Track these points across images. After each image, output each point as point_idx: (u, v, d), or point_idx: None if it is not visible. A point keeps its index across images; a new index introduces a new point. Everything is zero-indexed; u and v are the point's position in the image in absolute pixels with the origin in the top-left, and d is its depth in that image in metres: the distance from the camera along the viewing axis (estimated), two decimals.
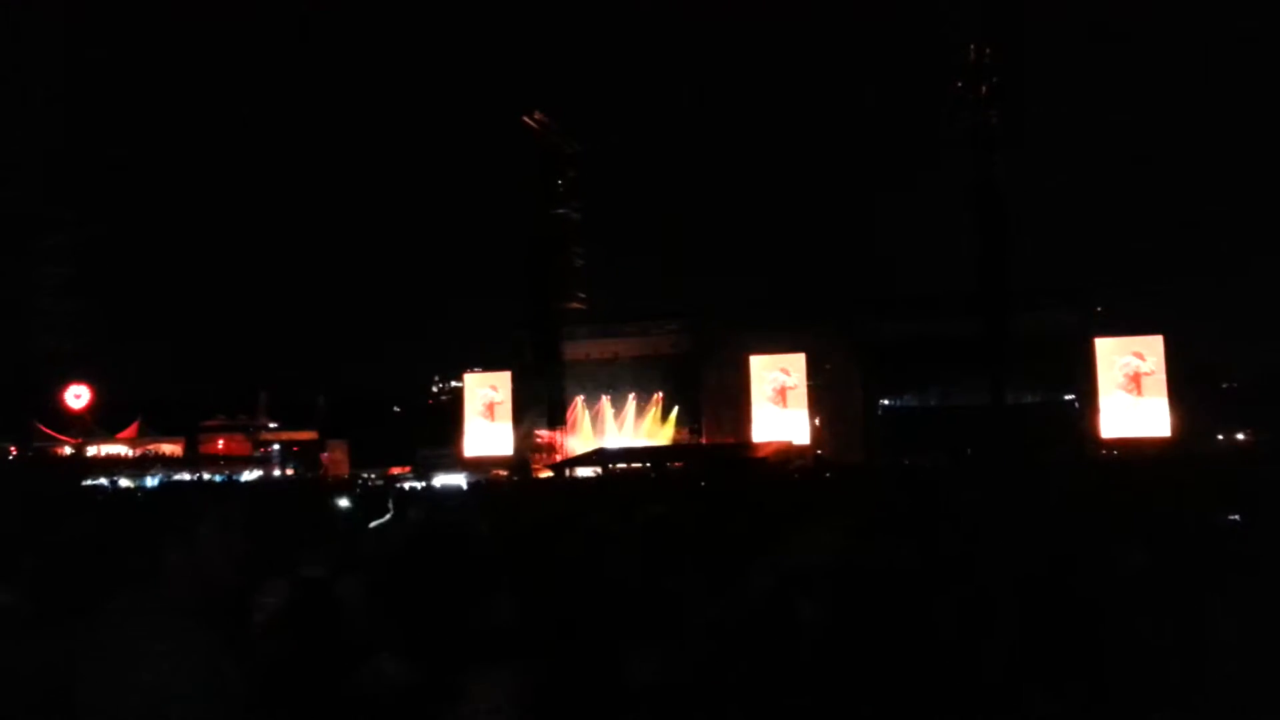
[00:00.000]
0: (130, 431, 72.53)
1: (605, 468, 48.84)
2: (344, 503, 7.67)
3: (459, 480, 44.17)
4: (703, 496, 13.52)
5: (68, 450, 66.46)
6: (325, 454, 63.94)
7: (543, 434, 61.41)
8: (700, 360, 61.36)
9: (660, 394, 63.38)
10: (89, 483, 40.50)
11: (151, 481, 47.28)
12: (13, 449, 62.60)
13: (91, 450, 67.80)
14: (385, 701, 3.60)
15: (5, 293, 64.52)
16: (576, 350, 62.86)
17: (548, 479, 47.84)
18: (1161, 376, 53.46)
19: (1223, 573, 4.16)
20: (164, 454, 69.57)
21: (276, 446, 69.93)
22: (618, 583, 4.20)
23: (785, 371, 58.76)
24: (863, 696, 3.57)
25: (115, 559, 4.21)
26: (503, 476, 49.71)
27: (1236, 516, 5.56)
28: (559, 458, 57.48)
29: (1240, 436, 51.80)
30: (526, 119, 61.35)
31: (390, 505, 8.45)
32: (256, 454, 70.34)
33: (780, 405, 58.58)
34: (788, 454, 51.93)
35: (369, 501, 9.55)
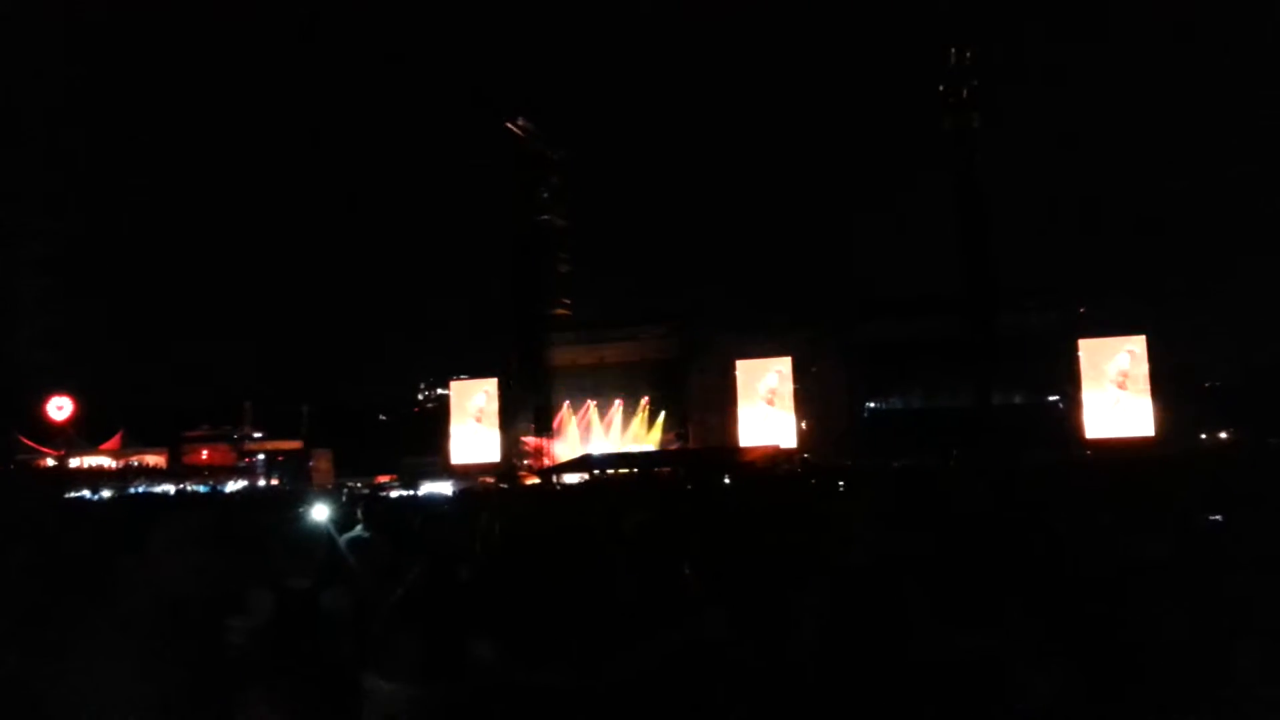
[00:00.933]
0: (113, 443, 72.08)
1: (592, 474, 48.74)
2: (321, 514, 7.57)
3: (446, 488, 44.02)
4: (690, 501, 13.50)
5: (50, 462, 65.97)
6: (311, 463, 63.68)
7: (529, 440, 61.31)
8: (686, 365, 61.39)
9: (647, 399, 63.39)
10: (72, 495, 40.20)
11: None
12: None
13: (74, 462, 67.31)
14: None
15: None
16: (563, 356, 62.79)
17: (535, 485, 47.75)
18: (1145, 376, 53.80)
19: (1204, 572, 4.18)
20: (147, 465, 69.11)
21: (261, 456, 69.57)
22: (609, 589, 4.19)
23: (772, 375, 58.83)
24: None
25: (66, 571, 4.17)
26: (490, 484, 49.55)
27: (1218, 517, 5.58)
28: (546, 464, 57.35)
29: (1223, 435, 52.18)
30: (511, 125, 61.34)
31: (359, 516, 8.26)
32: (241, 464, 69.96)
33: (767, 409, 58.63)
34: (775, 457, 52.01)
35: (347, 513, 9.45)
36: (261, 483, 62.28)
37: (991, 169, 51.71)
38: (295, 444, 70.72)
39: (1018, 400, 54.01)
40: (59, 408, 67.86)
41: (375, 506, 11.88)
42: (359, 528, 7.60)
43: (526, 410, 61.86)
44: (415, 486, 47.50)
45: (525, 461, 59.94)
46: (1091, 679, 3.54)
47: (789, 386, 58.36)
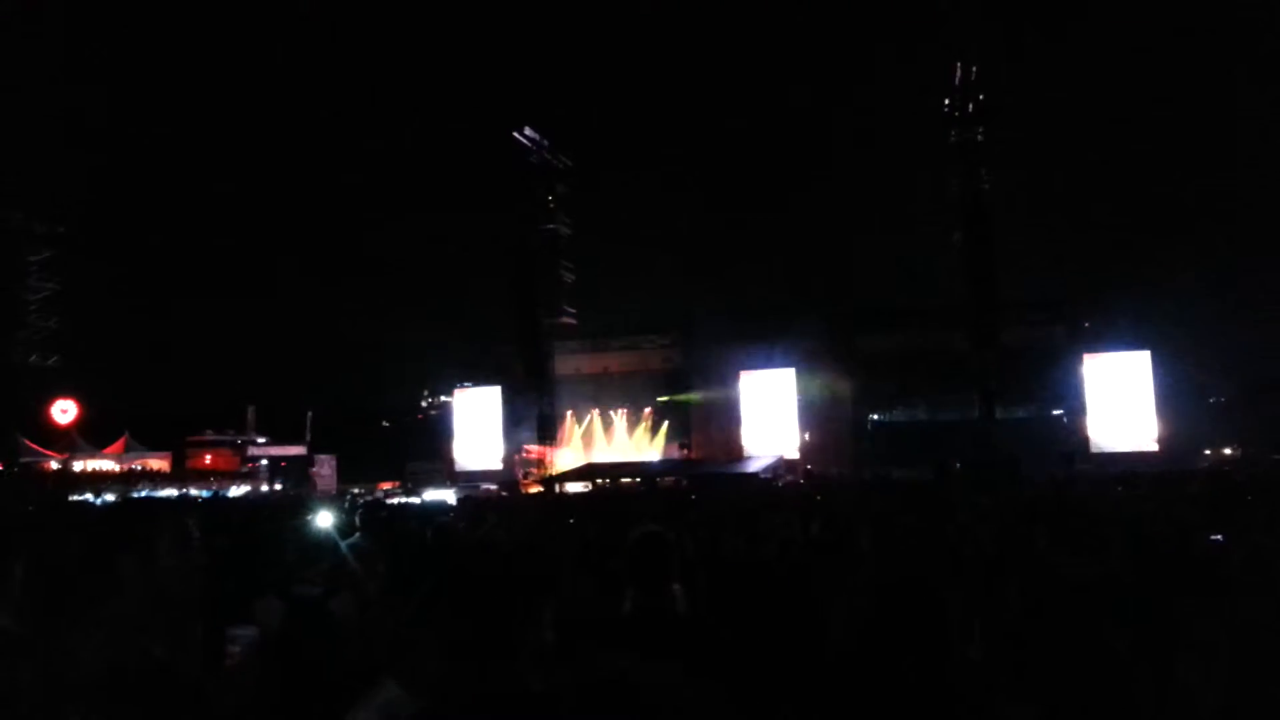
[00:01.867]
0: (117, 446, 72.19)
1: (595, 483, 48.77)
2: (326, 521, 7.60)
3: (449, 496, 44.02)
4: (695, 512, 13.52)
5: (54, 465, 66.08)
6: (314, 469, 63.71)
7: (532, 449, 61.35)
8: (690, 375, 61.47)
9: (650, 409, 63.46)
10: (75, 498, 40.29)
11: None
12: None
13: (78, 465, 67.43)
14: None
15: None
16: (566, 365, 62.91)
17: (537, 494, 47.76)
18: (1149, 391, 53.78)
19: (1200, 592, 4.21)
20: (150, 469, 69.20)
21: (264, 461, 69.64)
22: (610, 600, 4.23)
23: (775, 386, 58.88)
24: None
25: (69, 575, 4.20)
26: (493, 492, 49.58)
27: (1219, 536, 5.61)
28: (548, 473, 57.41)
29: (1228, 451, 52.06)
30: (517, 135, 61.53)
31: (357, 524, 8.24)
32: (244, 469, 70.04)
33: (770, 420, 58.67)
34: (777, 469, 52.01)
35: (348, 519, 9.46)
36: (264, 488, 62.32)
37: (997, 182, 51.68)
38: (299, 449, 70.80)
39: (1021, 414, 54.01)
40: (63, 411, 68.02)
41: (374, 514, 11.88)
42: (357, 535, 7.64)
43: (530, 419, 61.91)
44: (418, 494, 47.51)
45: (528, 470, 59.98)
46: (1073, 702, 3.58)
47: (792, 397, 58.40)
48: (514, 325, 62.46)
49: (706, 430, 61.32)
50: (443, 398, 73.67)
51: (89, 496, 44.44)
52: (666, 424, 62.62)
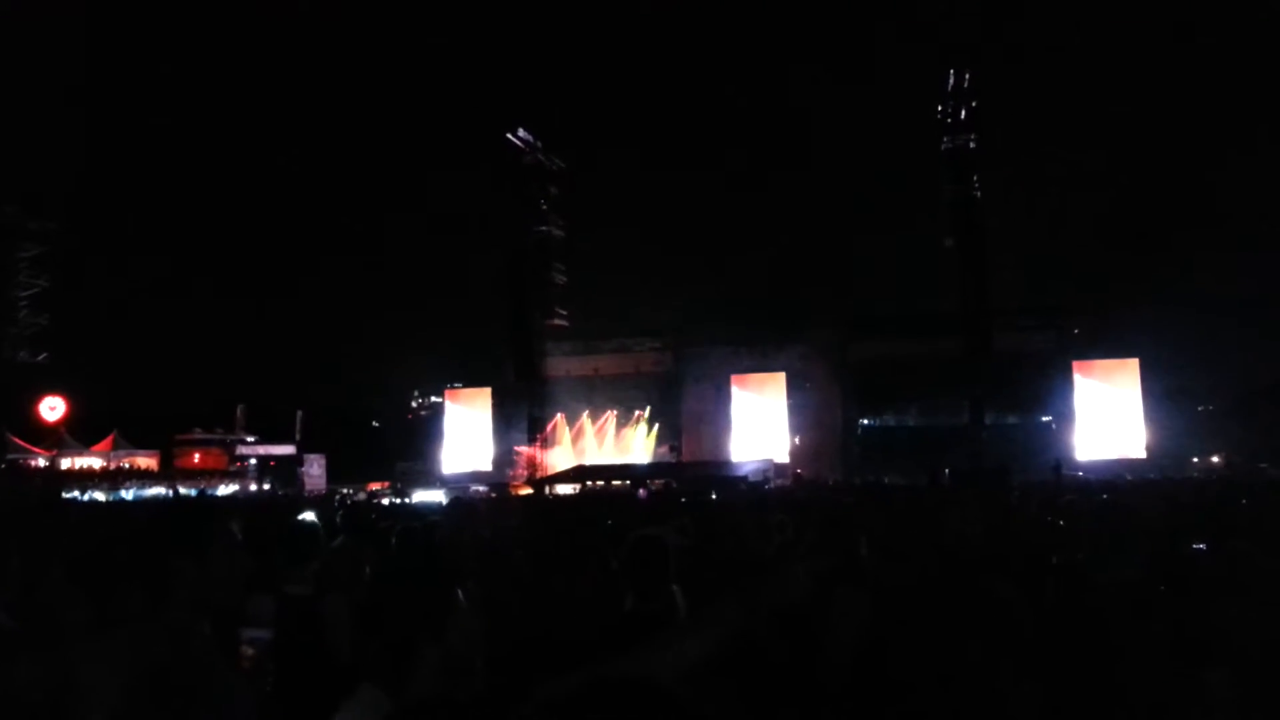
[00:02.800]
0: (105, 444, 71.76)
1: (585, 485, 48.76)
2: (312, 519, 7.59)
3: (438, 497, 43.95)
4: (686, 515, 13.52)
5: (41, 462, 65.73)
6: (304, 469, 63.48)
7: (522, 451, 61.31)
8: (681, 378, 61.52)
9: (641, 411, 63.48)
10: (66, 496, 40.11)
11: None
12: None
13: (65, 463, 67.07)
14: None
15: None
16: (557, 367, 62.89)
17: (527, 496, 47.71)
18: (1138, 399, 54.04)
19: (1182, 601, 4.26)
20: (138, 467, 68.86)
21: (253, 461, 69.33)
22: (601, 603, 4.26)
23: (765, 390, 58.96)
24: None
25: (114, 577, 4.21)
26: (483, 493, 49.52)
27: (1202, 545, 5.65)
28: (539, 474, 57.37)
29: (1215, 460, 52.33)
30: (510, 136, 61.53)
31: (339, 524, 8.22)
32: (233, 468, 69.73)
33: (760, 423, 58.74)
34: (767, 472, 52.06)
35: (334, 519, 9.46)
36: (253, 487, 62.09)
37: (989, 188, 51.92)
38: (288, 449, 70.51)
39: (1011, 420, 54.22)
40: (51, 408, 67.72)
41: (357, 514, 11.84)
42: (349, 536, 7.65)
43: (520, 420, 61.87)
44: (408, 494, 47.45)
45: (518, 472, 59.93)
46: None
47: (783, 401, 58.48)
48: (506, 326, 62.45)
49: (697, 433, 61.36)
50: (433, 398, 73.58)
51: (76, 494, 44.30)
52: (657, 426, 62.66)
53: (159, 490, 51.77)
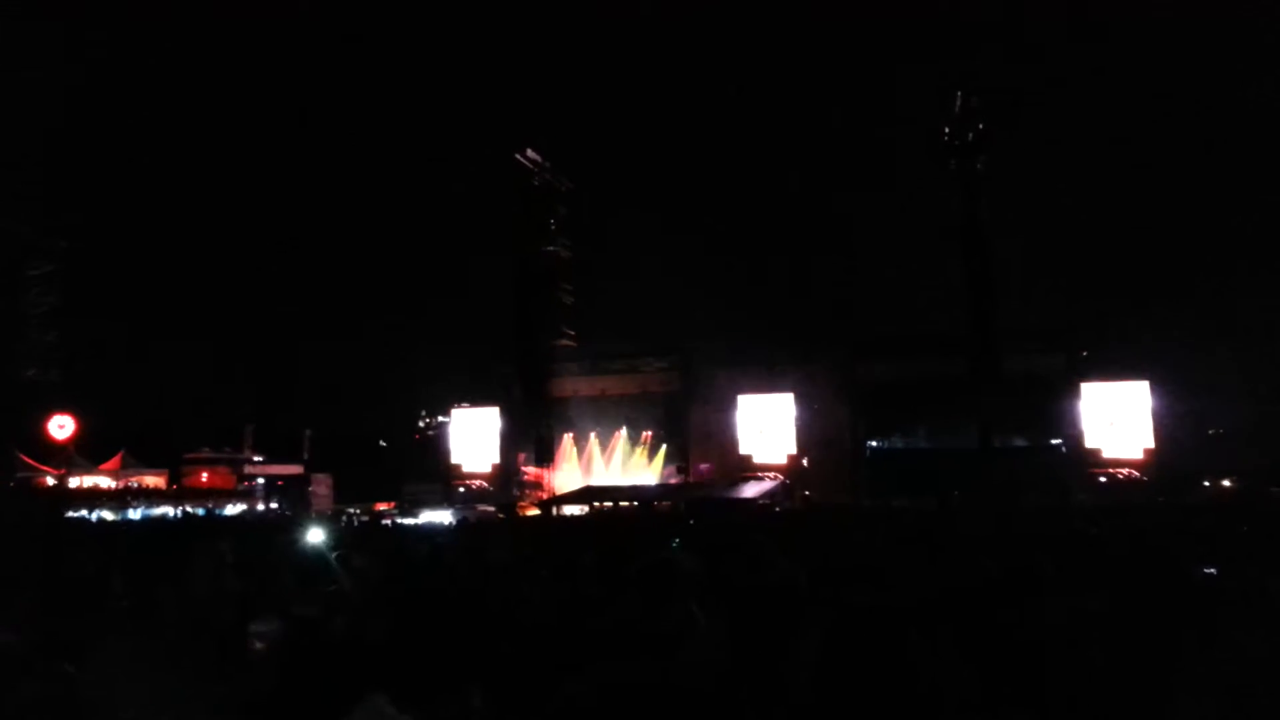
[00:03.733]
0: (113, 463, 71.89)
1: (592, 506, 48.65)
2: (318, 539, 7.62)
3: (445, 517, 43.94)
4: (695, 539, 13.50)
5: (50, 481, 65.83)
6: (311, 488, 63.49)
7: (530, 471, 61.23)
8: (689, 398, 61.44)
9: (648, 432, 63.36)
10: (71, 515, 40.15)
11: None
12: None
13: (74, 481, 67.17)
14: None
15: None
16: (565, 387, 62.89)
17: (535, 517, 47.63)
18: (1147, 421, 53.76)
19: (1191, 625, 4.25)
20: (146, 486, 68.94)
21: (261, 480, 69.38)
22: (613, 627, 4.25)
23: (773, 411, 58.82)
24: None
25: (109, 597, 4.22)
26: (490, 513, 49.46)
27: (1213, 570, 5.63)
28: (546, 495, 57.29)
29: (1226, 483, 51.96)
30: (519, 157, 61.85)
31: (344, 543, 8.16)
32: (241, 487, 69.77)
33: (768, 445, 58.58)
34: (774, 494, 51.91)
35: (340, 540, 9.44)
36: (260, 507, 62.09)
37: (996, 209, 51.92)
38: (296, 468, 70.55)
39: (1019, 443, 53.96)
40: (60, 426, 67.84)
41: (362, 534, 11.87)
42: (360, 557, 7.63)
43: (528, 440, 61.84)
44: (415, 514, 47.41)
45: (526, 492, 59.85)
46: None
47: (791, 423, 58.34)
48: (514, 346, 62.55)
49: (704, 454, 61.22)
50: (440, 418, 73.62)
51: (84, 513, 44.33)
52: (665, 447, 62.52)
53: (166, 509, 51.79)
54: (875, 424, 57.76)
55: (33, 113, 61.12)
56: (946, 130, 52.05)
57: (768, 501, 47.95)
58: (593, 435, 64.19)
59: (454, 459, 66.12)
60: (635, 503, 48.82)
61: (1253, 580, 4.53)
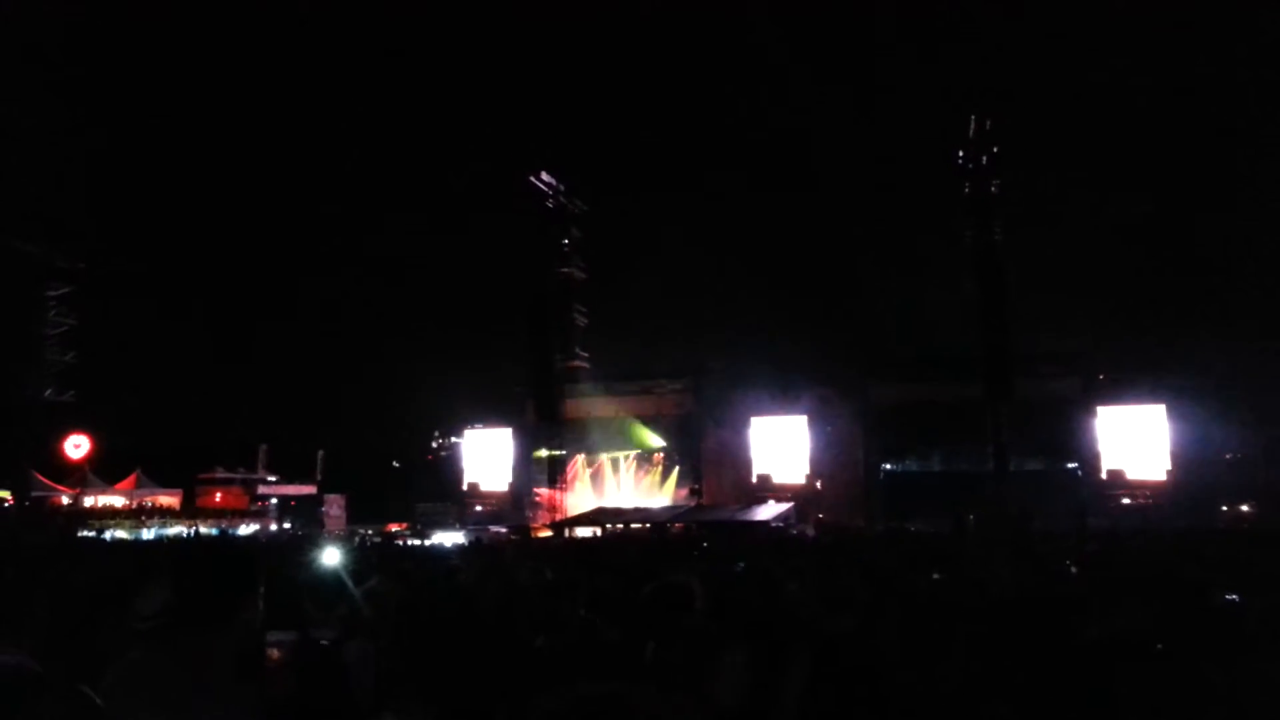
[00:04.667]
0: (128, 482, 72.17)
1: (604, 528, 48.55)
2: (335, 561, 7.60)
3: (457, 538, 43.88)
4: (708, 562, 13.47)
5: (65, 500, 66.15)
6: (324, 509, 63.64)
7: (542, 492, 61.20)
8: (702, 420, 61.37)
9: (661, 454, 63.29)
10: (83, 534, 40.33)
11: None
12: (9, 498, 62.38)
13: (88, 500, 67.45)
14: None
15: (8, 341, 64.96)
16: (578, 408, 62.91)
17: (547, 538, 47.54)
18: (1164, 445, 53.40)
19: (1213, 651, 4.21)
20: (160, 505, 69.17)
21: (274, 500, 69.57)
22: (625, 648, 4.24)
23: (786, 433, 58.70)
24: None
25: (123, 616, 4.22)
26: (503, 535, 49.39)
27: (1235, 596, 5.57)
28: (558, 516, 57.22)
29: (1244, 508, 51.47)
30: (533, 178, 62.20)
31: (375, 566, 8.24)
32: (254, 507, 69.95)
33: (781, 467, 58.41)
34: (788, 518, 51.68)
35: (362, 561, 9.46)
36: (273, 526, 62.22)
37: (1011, 231, 51.85)
38: (309, 489, 70.72)
39: (1035, 466, 53.62)
40: (76, 446, 68.24)
41: (377, 555, 11.88)
42: (375, 579, 7.62)
43: (540, 462, 61.84)
44: (427, 535, 47.40)
45: (538, 513, 59.80)
46: None
47: (804, 445, 58.19)
48: (527, 367, 62.67)
49: (718, 476, 61.07)
50: (453, 438, 73.71)
51: (98, 533, 44.53)
52: (677, 469, 62.42)
53: (180, 529, 51.93)
54: (889, 447, 57.54)
55: (51, 134, 61.83)
56: (960, 152, 52.13)
57: (781, 525, 47.73)
58: (605, 457, 64.16)
59: (467, 480, 66.15)
60: (647, 525, 48.69)
61: (1276, 608, 4.48)
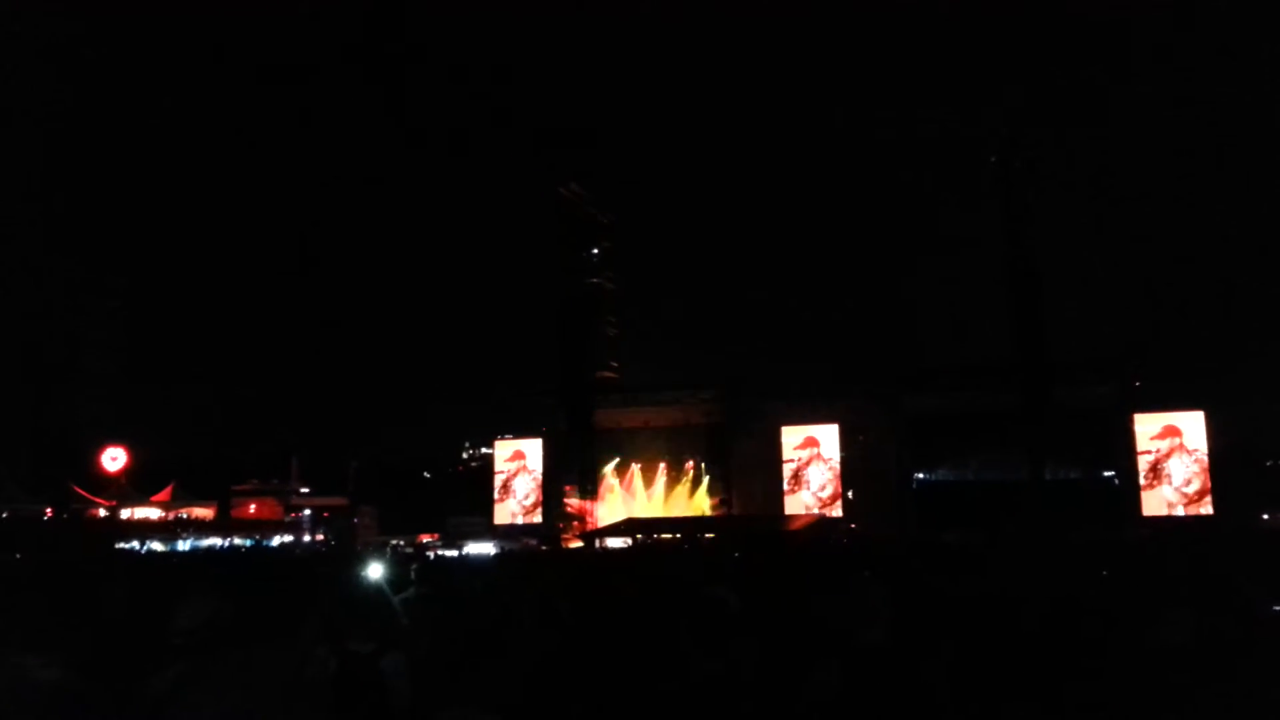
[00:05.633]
0: (164, 495, 73.07)
1: (635, 539, 48.40)
2: (376, 573, 7.63)
3: (489, 549, 44.00)
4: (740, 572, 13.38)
5: (102, 512, 67.02)
6: (356, 520, 64.05)
7: (573, 503, 61.17)
8: (732, 430, 61.07)
9: (691, 464, 63.07)
10: (121, 546, 40.76)
11: (184, 546, 47.42)
12: (48, 510, 63.30)
13: (125, 513, 68.31)
14: None
15: (49, 356, 65.97)
16: (608, 419, 62.86)
17: (578, 549, 47.51)
18: (1203, 454, 52.49)
19: (1258, 659, 4.15)
20: (195, 518, 69.93)
21: (307, 512, 70.12)
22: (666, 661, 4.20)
23: (817, 443, 58.28)
24: None
25: (164, 631, 4.22)
26: (534, 546, 49.47)
27: None
28: (589, 527, 57.16)
29: None
30: (563, 190, 62.40)
31: (413, 577, 8.33)
32: (287, 519, 70.54)
33: (813, 476, 58.00)
34: (820, 527, 51.32)
35: (399, 573, 9.48)
36: (306, 538, 62.68)
37: (1045, 239, 51.41)
38: (341, 500, 71.22)
39: (1072, 475, 52.89)
40: (113, 459, 69.17)
41: (429, 567, 11.91)
42: (412, 589, 7.64)
43: (571, 472, 61.84)
44: (459, 546, 47.57)
45: (569, 524, 59.78)
46: None
47: (836, 455, 57.76)
48: (557, 378, 62.78)
49: (748, 486, 60.71)
50: (484, 449, 73.93)
51: (134, 545, 45.01)
52: (708, 479, 62.14)
53: (215, 541, 52.42)
54: (922, 456, 56.93)
55: (98, 155, 62.90)
56: (994, 159, 51.81)
57: (814, 534, 47.39)
58: (635, 467, 64.02)
59: (496, 490, 66.28)
60: (678, 535, 48.48)
61: None
